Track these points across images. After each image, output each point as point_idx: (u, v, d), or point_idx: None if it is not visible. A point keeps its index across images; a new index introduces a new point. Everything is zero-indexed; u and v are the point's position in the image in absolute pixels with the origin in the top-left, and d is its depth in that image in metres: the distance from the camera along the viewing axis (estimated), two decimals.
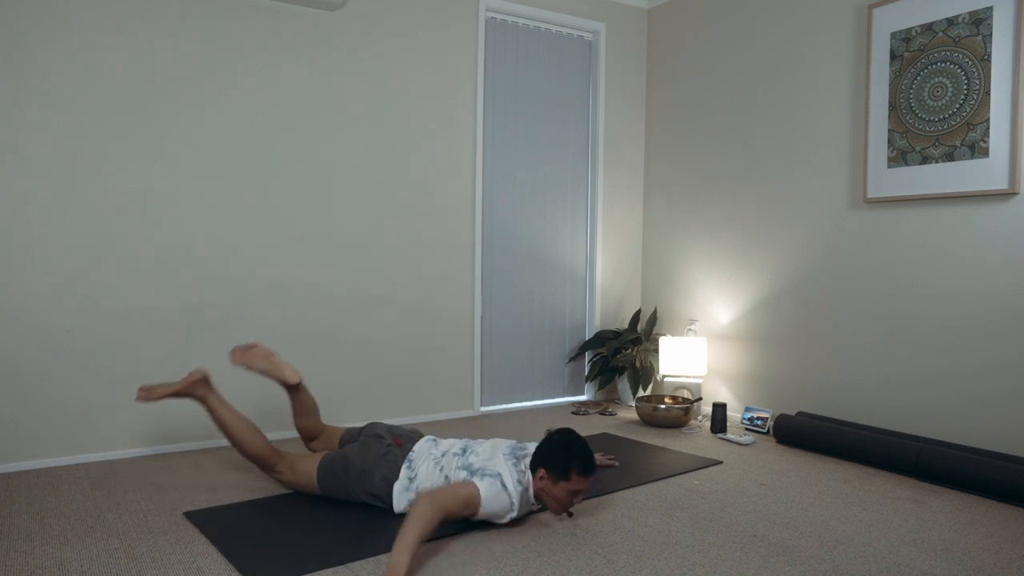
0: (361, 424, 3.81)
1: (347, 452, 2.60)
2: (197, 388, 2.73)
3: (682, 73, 4.51)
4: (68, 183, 3.10)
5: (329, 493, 2.62)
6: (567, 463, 2.33)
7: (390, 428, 2.69)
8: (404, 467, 2.51)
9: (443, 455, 2.50)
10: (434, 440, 2.61)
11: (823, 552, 2.24)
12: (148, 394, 2.71)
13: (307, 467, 2.65)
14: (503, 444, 2.51)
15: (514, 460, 2.40)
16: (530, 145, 4.41)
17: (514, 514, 2.37)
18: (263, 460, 2.66)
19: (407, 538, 2.01)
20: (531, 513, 2.55)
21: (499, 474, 2.34)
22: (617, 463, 3.14)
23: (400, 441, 2.59)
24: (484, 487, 2.29)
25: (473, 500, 2.26)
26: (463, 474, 2.38)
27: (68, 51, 3.08)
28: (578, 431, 3.82)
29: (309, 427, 2.89)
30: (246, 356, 2.80)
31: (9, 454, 3.01)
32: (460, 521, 2.38)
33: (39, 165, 3.04)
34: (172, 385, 2.72)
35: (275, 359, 2.81)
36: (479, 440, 2.60)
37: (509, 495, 2.33)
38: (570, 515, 2.43)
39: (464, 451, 2.49)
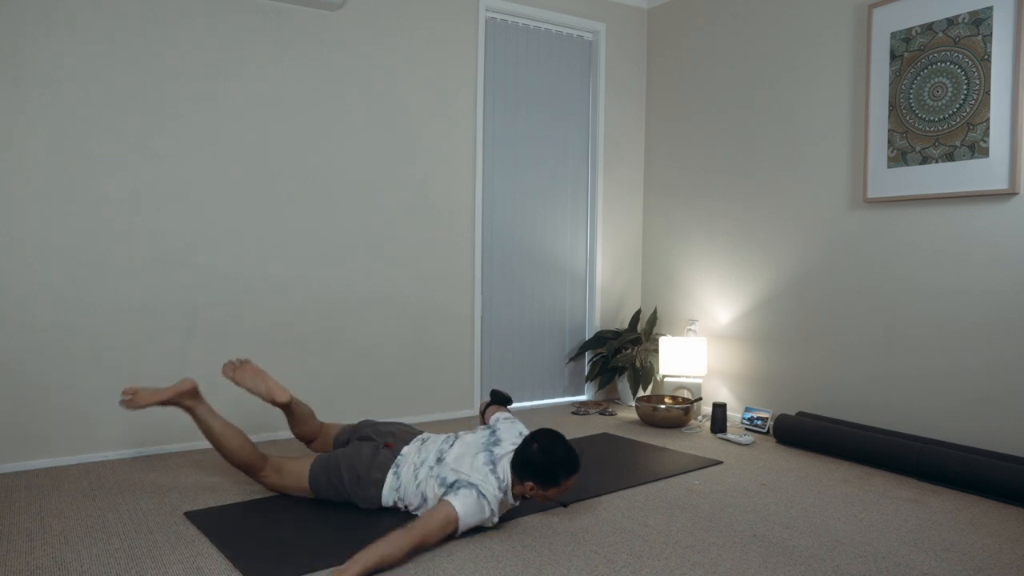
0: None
1: (337, 457, 2.57)
2: (185, 398, 2.62)
3: (682, 73, 4.51)
4: (67, 183, 3.10)
5: (322, 497, 2.60)
6: (555, 474, 2.36)
7: (378, 428, 2.67)
8: (391, 471, 2.50)
9: (422, 463, 2.48)
10: (422, 440, 2.59)
11: (823, 552, 2.24)
12: (133, 400, 2.58)
13: (296, 470, 2.62)
14: (476, 445, 2.47)
15: (491, 467, 2.37)
16: (530, 145, 4.41)
17: (495, 519, 2.37)
18: (251, 467, 2.63)
19: (368, 554, 2.00)
20: (530, 510, 2.54)
21: (474, 485, 2.31)
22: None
23: (391, 444, 2.57)
24: (459, 503, 2.25)
25: (450, 520, 2.21)
26: (439, 491, 2.37)
27: (68, 50, 3.08)
28: (578, 431, 3.82)
29: (307, 433, 2.86)
30: (237, 373, 2.73)
31: (9, 454, 3.01)
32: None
33: (39, 165, 3.05)
34: (160, 392, 2.60)
35: (266, 379, 2.73)
36: (461, 435, 2.57)
37: (488, 503, 2.30)
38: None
39: (439, 460, 2.45)
